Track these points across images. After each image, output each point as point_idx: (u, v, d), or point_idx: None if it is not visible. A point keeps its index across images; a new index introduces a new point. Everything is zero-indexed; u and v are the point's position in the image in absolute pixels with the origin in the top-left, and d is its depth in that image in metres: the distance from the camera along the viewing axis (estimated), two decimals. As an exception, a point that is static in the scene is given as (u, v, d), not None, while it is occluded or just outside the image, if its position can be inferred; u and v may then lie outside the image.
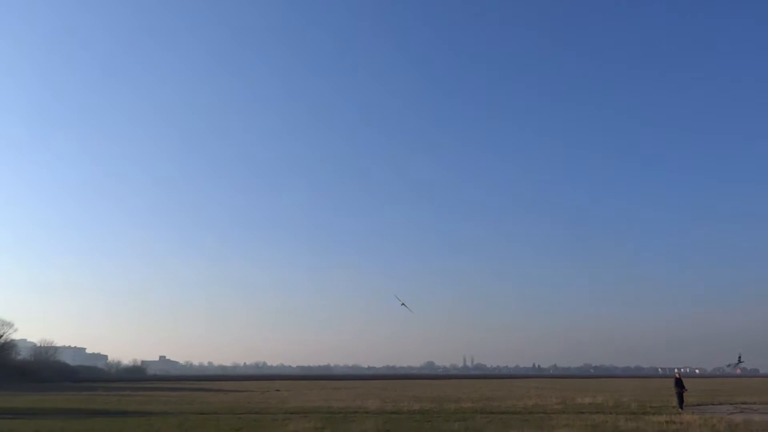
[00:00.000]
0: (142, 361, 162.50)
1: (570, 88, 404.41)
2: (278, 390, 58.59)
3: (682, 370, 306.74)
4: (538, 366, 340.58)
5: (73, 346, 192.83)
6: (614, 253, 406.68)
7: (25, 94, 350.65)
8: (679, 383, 29.91)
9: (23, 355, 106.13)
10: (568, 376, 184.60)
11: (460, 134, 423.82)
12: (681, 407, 28.97)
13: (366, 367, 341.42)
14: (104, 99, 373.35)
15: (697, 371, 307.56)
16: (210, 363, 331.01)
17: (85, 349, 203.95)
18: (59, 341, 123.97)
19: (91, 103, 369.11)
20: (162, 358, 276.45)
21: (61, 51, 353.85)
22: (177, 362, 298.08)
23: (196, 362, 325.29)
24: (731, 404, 34.03)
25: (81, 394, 47.70)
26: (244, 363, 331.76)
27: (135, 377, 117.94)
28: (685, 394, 30.08)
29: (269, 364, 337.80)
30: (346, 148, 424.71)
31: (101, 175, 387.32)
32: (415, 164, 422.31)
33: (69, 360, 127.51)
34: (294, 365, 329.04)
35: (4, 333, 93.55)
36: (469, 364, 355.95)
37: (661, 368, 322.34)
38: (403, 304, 66.07)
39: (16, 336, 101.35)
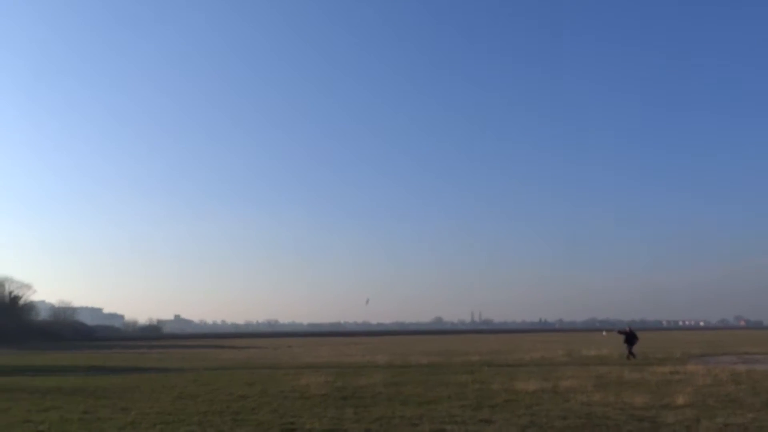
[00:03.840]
0: (158, 320, 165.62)
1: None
2: (290, 346, 59.95)
3: (686, 322, 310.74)
4: (545, 320, 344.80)
5: (90, 306, 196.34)
6: (623, 211, 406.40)
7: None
8: (630, 336, 30.73)
9: (43, 315, 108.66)
10: (575, 330, 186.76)
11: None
12: (632, 355, 30.07)
13: (375, 323, 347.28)
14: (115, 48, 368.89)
15: (701, 323, 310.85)
16: (223, 321, 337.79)
17: (102, 309, 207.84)
18: (76, 302, 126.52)
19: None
20: (177, 317, 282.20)
21: None
22: (191, 321, 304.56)
23: (210, 321, 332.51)
24: (735, 355, 34.59)
25: (100, 352, 49.14)
26: (257, 321, 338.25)
27: (151, 336, 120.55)
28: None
29: (281, 321, 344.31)
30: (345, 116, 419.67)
31: (100, 138, 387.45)
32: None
33: (87, 320, 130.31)
34: (305, 322, 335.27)
35: (23, 295, 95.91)
36: (477, 319, 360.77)
37: (666, 321, 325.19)
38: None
39: (35, 297, 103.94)
